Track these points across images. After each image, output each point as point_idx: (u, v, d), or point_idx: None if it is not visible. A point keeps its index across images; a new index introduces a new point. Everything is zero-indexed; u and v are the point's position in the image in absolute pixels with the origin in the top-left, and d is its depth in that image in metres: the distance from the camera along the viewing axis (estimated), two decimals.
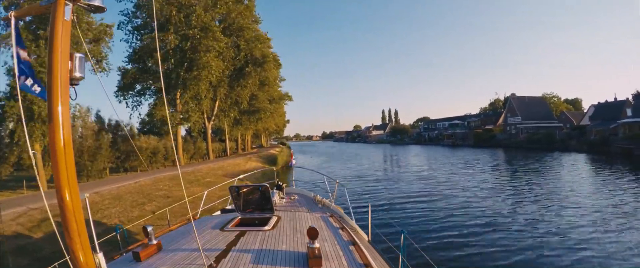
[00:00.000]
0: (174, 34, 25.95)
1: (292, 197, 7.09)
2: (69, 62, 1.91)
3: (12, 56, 2.07)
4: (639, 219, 10.90)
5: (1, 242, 6.90)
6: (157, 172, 20.84)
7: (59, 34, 1.85)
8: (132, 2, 27.11)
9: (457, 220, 11.60)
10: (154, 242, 3.26)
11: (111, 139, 24.04)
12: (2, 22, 15.62)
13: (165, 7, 25.18)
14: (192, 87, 25.94)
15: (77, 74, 1.96)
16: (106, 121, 25.79)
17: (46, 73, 1.86)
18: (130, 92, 28.93)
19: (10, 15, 1.96)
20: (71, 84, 1.95)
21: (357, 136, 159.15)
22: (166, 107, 4.16)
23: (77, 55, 1.95)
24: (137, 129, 31.91)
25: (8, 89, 16.55)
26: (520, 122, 62.56)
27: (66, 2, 1.89)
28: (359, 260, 3.01)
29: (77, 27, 2.01)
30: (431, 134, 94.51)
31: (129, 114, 30.37)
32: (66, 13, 1.88)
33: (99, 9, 2.04)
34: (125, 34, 27.91)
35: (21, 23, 15.85)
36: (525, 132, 59.96)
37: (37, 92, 2.09)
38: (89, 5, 1.98)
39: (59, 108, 1.82)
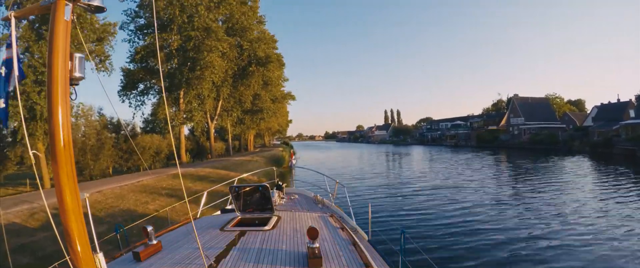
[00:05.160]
0: (177, 34, 26.01)
1: (292, 197, 7.09)
2: (69, 62, 1.91)
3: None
4: None
5: (1, 240, 6.92)
6: (160, 171, 20.88)
7: (59, 34, 1.85)
8: (135, 2, 27.27)
9: (458, 220, 11.55)
10: (154, 241, 3.27)
11: (114, 138, 24.19)
12: (2, 22, 15.66)
13: (168, 7, 25.23)
14: (196, 86, 25.97)
15: (77, 74, 1.96)
16: (109, 120, 25.95)
17: (46, 73, 1.86)
18: (133, 92, 29.03)
19: (10, 15, 1.96)
20: (71, 84, 1.95)
21: (359, 136, 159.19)
22: (166, 106, 4.17)
23: (77, 55, 1.95)
24: (141, 128, 32.06)
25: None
26: (523, 122, 62.24)
27: (66, 2, 1.89)
28: (359, 260, 3.00)
29: (78, 27, 2.01)
30: (434, 134, 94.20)
31: (132, 114, 30.45)
32: (66, 13, 1.88)
33: (99, 9, 2.04)
34: (128, 35, 28.04)
35: (24, 23, 15.92)
36: (528, 133, 59.64)
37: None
38: (89, 5, 1.98)
39: (59, 108, 1.83)
